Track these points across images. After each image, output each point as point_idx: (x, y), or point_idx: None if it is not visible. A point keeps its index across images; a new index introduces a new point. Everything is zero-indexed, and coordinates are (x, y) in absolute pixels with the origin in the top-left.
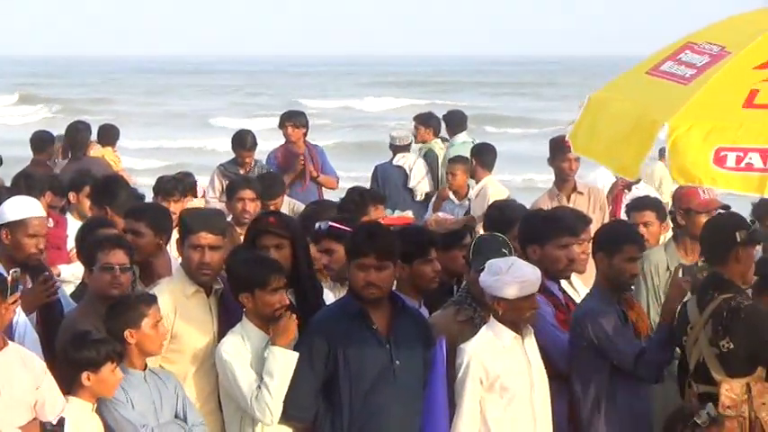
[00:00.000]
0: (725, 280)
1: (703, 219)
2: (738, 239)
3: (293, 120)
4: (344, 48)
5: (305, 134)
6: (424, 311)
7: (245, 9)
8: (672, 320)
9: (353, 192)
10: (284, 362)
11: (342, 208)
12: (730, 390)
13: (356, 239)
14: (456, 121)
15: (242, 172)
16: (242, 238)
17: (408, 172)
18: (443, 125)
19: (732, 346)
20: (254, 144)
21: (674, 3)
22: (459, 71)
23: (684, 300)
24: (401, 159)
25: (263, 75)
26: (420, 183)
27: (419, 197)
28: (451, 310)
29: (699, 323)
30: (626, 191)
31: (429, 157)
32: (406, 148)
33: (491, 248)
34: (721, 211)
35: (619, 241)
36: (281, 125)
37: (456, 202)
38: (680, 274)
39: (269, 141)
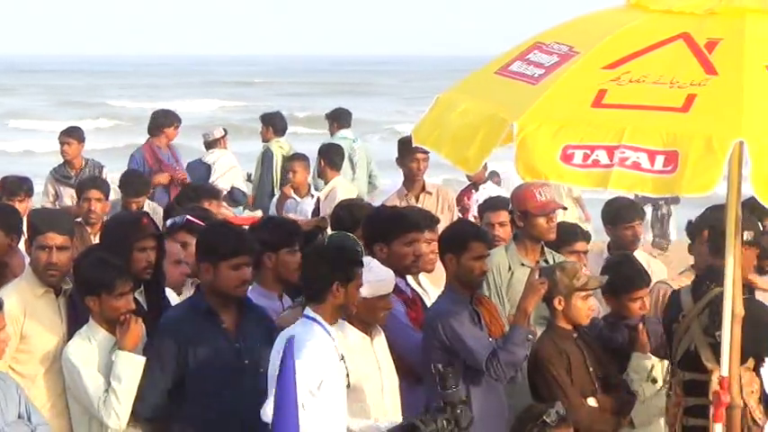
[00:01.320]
0: (722, 273)
1: (540, 220)
2: (744, 238)
3: (176, 121)
4: (177, 48)
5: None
6: (287, 302)
7: (83, 8)
8: (526, 321)
9: (188, 188)
10: (131, 366)
11: (177, 204)
12: None
13: (227, 241)
14: (338, 118)
15: (73, 173)
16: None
17: (212, 167)
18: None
19: None
20: (81, 137)
21: (508, 4)
22: (282, 71)
23: (677, 288)
24: (208, 156)
25: (85, 75)
26: (220, 178)
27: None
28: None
29: (693, 312)
30: (473, 190)
31: (266, 157)
32: (214, 144)
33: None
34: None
35: (465, 239)
36: (177, 127)
37: (298, 199)
38: (536, 276)
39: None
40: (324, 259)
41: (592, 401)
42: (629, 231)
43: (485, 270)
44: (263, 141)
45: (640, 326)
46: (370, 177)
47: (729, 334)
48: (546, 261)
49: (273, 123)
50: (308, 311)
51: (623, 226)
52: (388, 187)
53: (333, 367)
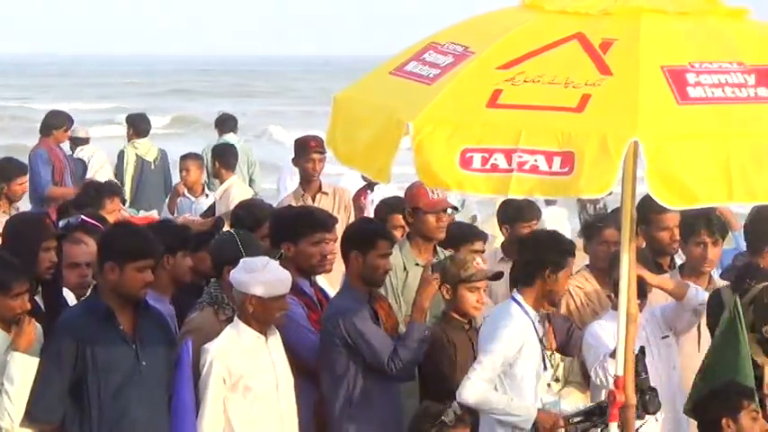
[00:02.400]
0: (761, 269)
1: (431, 218)
2: None
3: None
4: (57, 47)
5: None
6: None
7: None
8: (423, 317)
9: (89, 185)
10: (24, 368)
11: (78, 202)
12: None
13: (134, 242)
14: (222, 123)
15: None
16: None
17: (87, 163)
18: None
19: None
20: None
21: (407, 4)
22: (171, 71)
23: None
24: (80, 152)
25: None
26: (97, 173)
27: None
28: (210, 311)
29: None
30: (368, 190)
31: (119, 158)
32: (83, 141)
33: (256, 246)
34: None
35: (372, 238)
36: (69, 128)
37: (192, 198)
38: (429, 272)
39: None
40: (540, 245)
41: None
42: (526, 230)
43: (388, 269)
44: (128, 141)
45: (546, 324)
46: (250, 180)
47: (625, 334)
48: (438, 259)
49: (134, 124)
50: (514, 293)
51: (521, 225)
52: None
53: (526, 346)
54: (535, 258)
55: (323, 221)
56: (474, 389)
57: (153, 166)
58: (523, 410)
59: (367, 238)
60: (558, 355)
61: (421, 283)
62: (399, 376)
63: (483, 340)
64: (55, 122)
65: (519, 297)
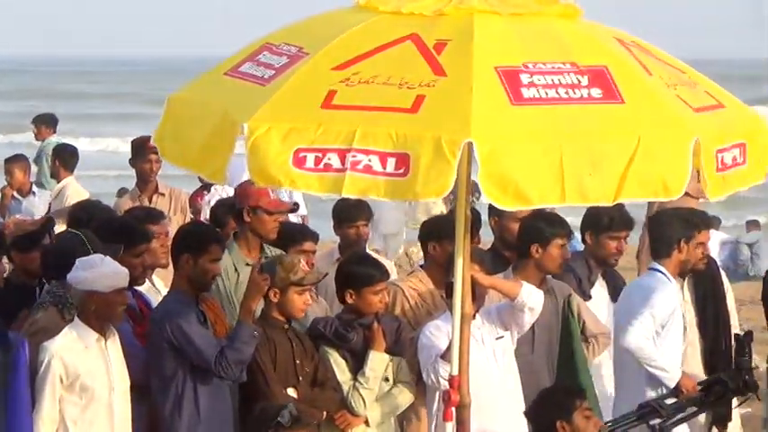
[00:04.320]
0: None
1: (270, 218)
2: None
3: None
4: None
5: None
6: None
7: None
8: (251, 318)
9: None
10: None
11: None
12: None
13: None
14: (47, 122)
15: None
16: None
17: None
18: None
19: None
20: None
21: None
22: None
23: None
24: None
25: None
26: None
27: None
28: (54, 311)
29: None
30: (205, 192)
31: None
32: None
33: (100, 246)
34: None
35: (205, 242)
36: None
37: (21, 199)
38: (257, 272)
39: None
40: (672, 220)
41: (292, 392)
42: (353, 230)
43: (218, 273)
44: None
45: (375, 324)
46: None
47: (459, 333)
48: (266, 258)
49: None
50: (655, 264)
51: (347, 225)
52: None
53: (676, 311)
54: (669, 232)
55: (142, 233)
56: (636, 335)
57: None
58: (673, 368)
59: (200, 241)
60: (386, 356)
61: (250, 283)
62: (228, 377)
63: (635, 305)
64: None
65: (661, 267)
